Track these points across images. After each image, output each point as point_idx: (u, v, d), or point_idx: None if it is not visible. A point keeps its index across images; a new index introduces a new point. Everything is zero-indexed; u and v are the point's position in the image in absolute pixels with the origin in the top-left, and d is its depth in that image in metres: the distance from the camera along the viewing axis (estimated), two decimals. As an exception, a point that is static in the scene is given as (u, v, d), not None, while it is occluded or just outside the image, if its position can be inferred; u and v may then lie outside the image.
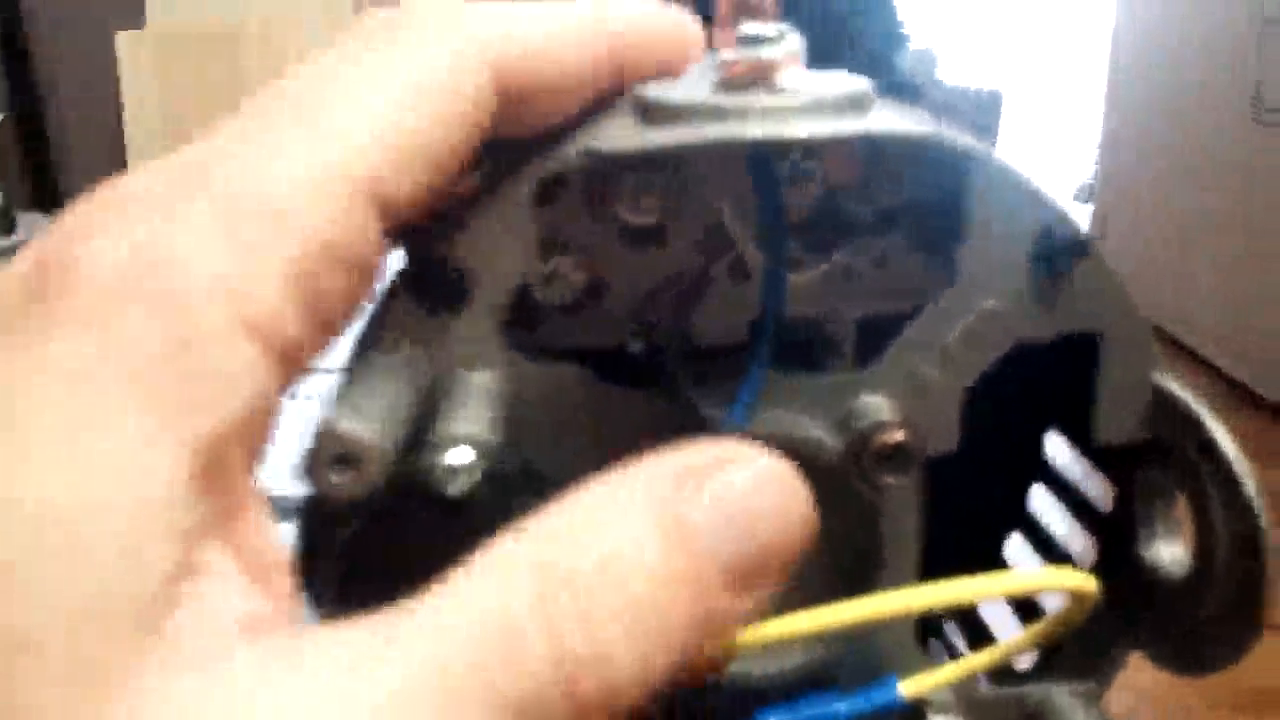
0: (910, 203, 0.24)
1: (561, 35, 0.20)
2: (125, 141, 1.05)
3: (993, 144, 0.98)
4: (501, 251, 0.21)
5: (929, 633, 0.31)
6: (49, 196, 1.13)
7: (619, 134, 0.20)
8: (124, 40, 1.03)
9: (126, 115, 1.05)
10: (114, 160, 1.06)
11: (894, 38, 0.40)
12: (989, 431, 0.28)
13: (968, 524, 0.30)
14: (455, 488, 0.19)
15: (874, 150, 0.23)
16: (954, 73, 0.95)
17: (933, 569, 0.27)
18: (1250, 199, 0.59)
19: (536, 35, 0.19)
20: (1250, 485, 0.22)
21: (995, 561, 0.30)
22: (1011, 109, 1.06)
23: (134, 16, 1.07)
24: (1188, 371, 0.65)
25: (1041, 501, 0.30)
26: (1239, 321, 0.60)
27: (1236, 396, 0.61)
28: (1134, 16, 0.76)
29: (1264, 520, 0.21)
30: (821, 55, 0.42)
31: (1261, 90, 0.58)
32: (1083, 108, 0.96)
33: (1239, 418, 0.58)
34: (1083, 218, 0.86)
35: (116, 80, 1.06)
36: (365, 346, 0.21)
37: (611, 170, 0.23)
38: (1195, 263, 0.65)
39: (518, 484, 0.22)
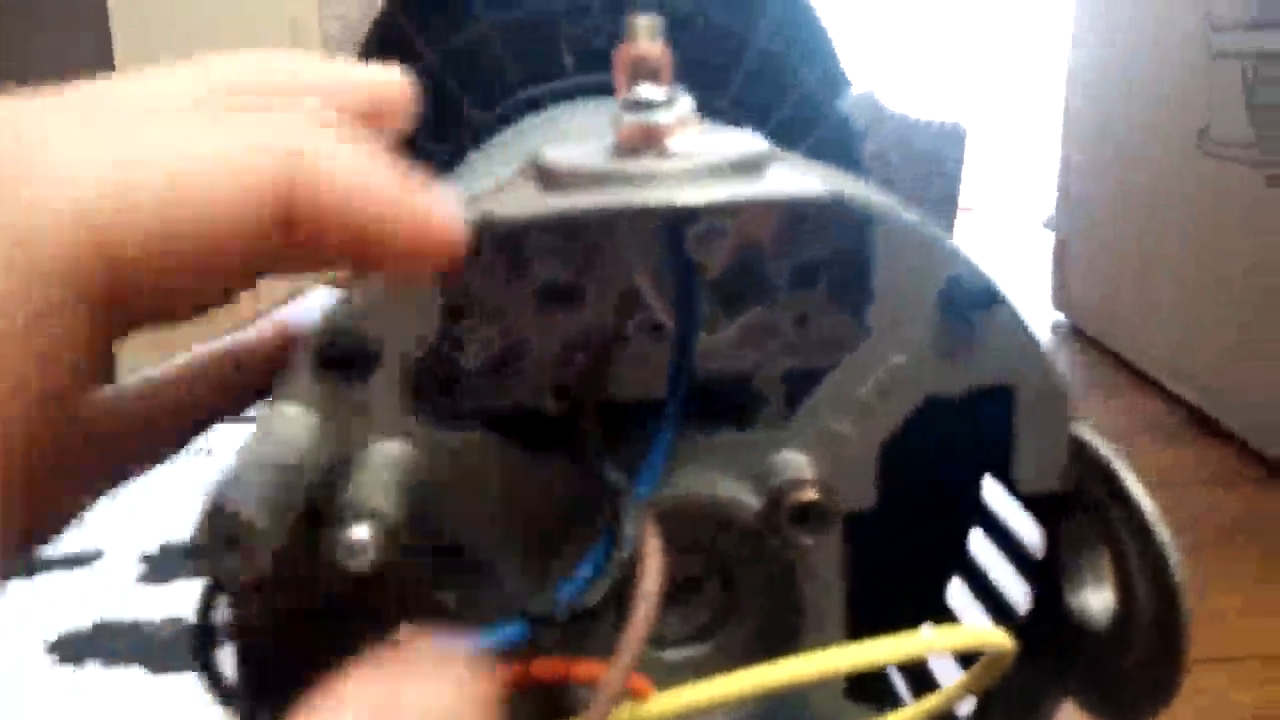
0: (827, 259, 0.24)
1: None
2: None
3: (958, 176, 0.98)
4: (405, 320, 0.21)
5: (868, 679, 0.30)
6: None
7: (517, 199, 0.20)
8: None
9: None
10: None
11: (833, 81, 0.40)
12: (929, 473, 0.28)
13: (910, 566, 0.30)
14: (357, 564, 0.19)
15: (786, 208, 0.23)
16: (916, 106, 0.95)
17: (873, 612, 0.27)
18: (1200, 231, 0.59)
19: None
20: (1164, 537, 0.21)
21: (937, 604, 0.30)
22: (976, 141, 1.06)
23: (103, 62, 1.07)
24: (1146, 398, 0.65)
25: (981, 544, 0.30)
26: (1195, 348, 0.61)
27: (1192, 422, 0.61)
28: (1087, 51, 0.77)
29: (1179, 572, 0.21)
30: (757, 100, 0.42)
31: (1209, 124, 0.59)
32: (1047, 138, 0.97)
33: (1195, 443, 0.58)
34: (1047, 243, 0.86)
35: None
36: (267, 415, 0.21)
37: (520, 233, 0.23)
38: (1151, 290, 0.66)
39: (433, 555, 0.21)
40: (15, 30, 1.07)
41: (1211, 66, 0.58)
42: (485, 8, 0.41)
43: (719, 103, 0.42)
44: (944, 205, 0.96)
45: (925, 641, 0.19)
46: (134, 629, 0.43)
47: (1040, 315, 0.85)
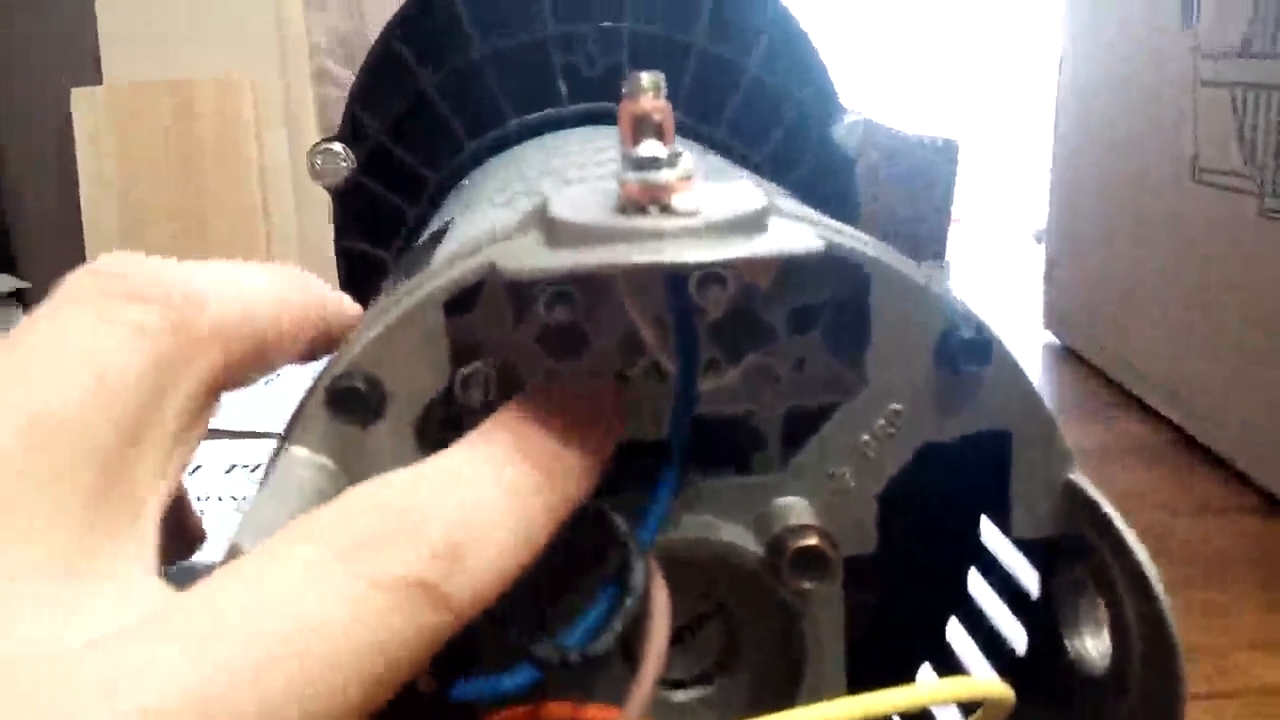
0: (825, 303, 0.25)
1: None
2: (80, 197, 1.05)
3: (950, 191, 0.99)
4: (412, 367, 0.21)
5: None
6: (1, 253, 1.12)
7: (523, 252, 0.20)
8: (79, 96, 1.03)
9: (81, 171, 1.05)
10: (68, 217, 1.06)
11: (827, 107, 0.41)
12: (928, 516, 0.28)
13: (909, 607, 0.30)
14: None
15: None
16: (911, 123, 0.96)
17: (873, 652, 0.27)
18: (1193, 258, 0.60)
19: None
20: (1160, 591, 0.22)
21: (937, 643, 0.30)
22: (968, 154, 1.07)
23: (90, 73, 1.07)
24: (1133, 421, 0.65)
25: (980, 585, 0.30)
26: (1185, 372, 0.61)
27: (1188, 451, 0.61)
28: (1073, 76, 0.78)
29: (1173, 628, 0.22)
30: (753, 126, 0.43)
31: (1198, 151, 0.59)
32: (1038, 153, 0.98)
33: (1185, 467, 0.59)
34: (1038, 257, 0.87)
35: (70, 136, 1.06)
36: (279, 459, 0.21)
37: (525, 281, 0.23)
38: (1142, 313, 0.66)
39: None
40: None
41: (1200, 94, 0.59)
42: (481, 35, 0.41)
43: (715, 130, 0.42)
44: (937, 220, 0.96)
45: (926, 693, 0.20)
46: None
47: (1031, 331, 0.85)
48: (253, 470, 0.63)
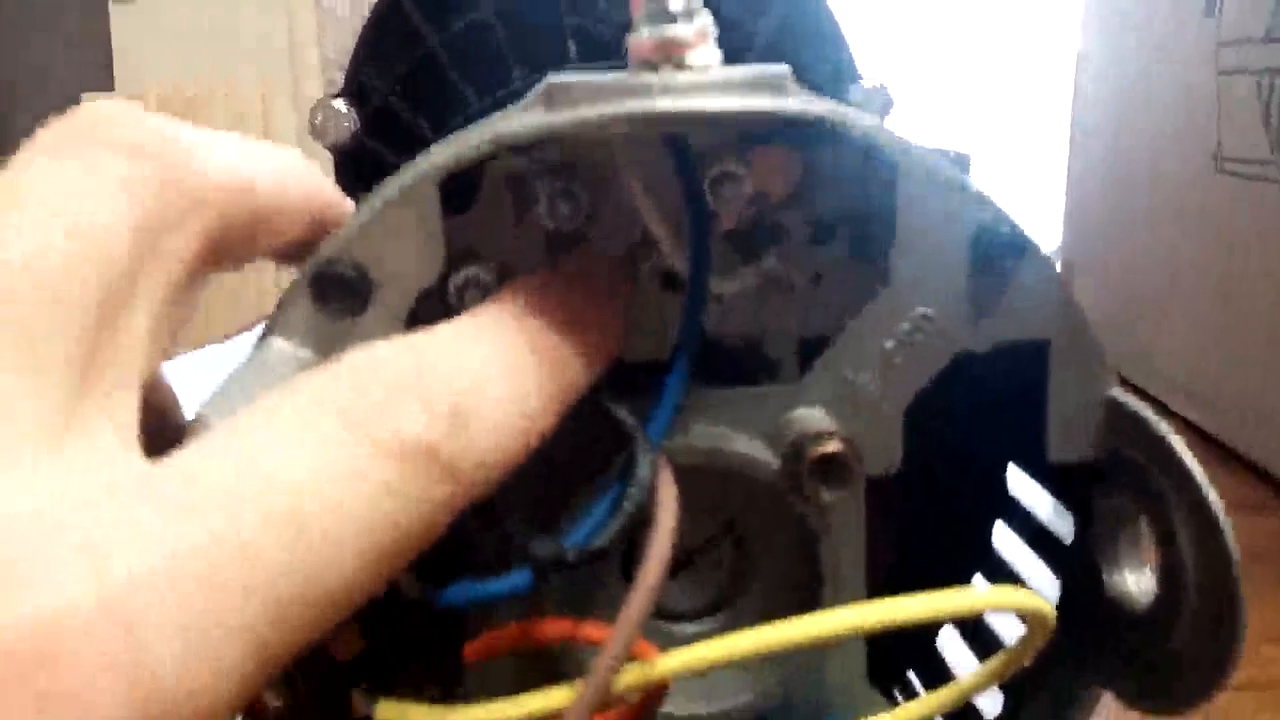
0: (847, 214, 0.23)
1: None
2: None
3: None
4: (404, 254, 0.20)
5: (888, 678, 0.29)
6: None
7: (523, 120, 0.19)
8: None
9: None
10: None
11: (843, 74, 0.40)
12: (949, 467, 0.26)
13: (931, 566, 0.28)
14: None
15: (807, 154, 0.22)
16: (921, 135, 0.95)
17: (912, 572, 0.25)
18: (1216, 250, 0.58)
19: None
20: (1217, 505, 0.20)
21: (984, 555, 0.28)
22: (981, 171, 1.06)
23: (103, 81, 1.07)
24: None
25: (1006, 539, 0.28)
26: (1211, 372, 0.59)
27: (1208, 450, 0.60)
28: (1093, 72, 0.77)
29: (1232, 543, 0.20)
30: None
31: (1221, 141, 0.58)
32: (1052, 173, 0.97)
33: (1214, 468, 0.57)
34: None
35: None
36: (258, 346, 0.20)
37: (526, 173, 0.22)
38: (1165, 313, 0.65)
39: None
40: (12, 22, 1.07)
41: (1220, 83, 0.58)
42: (489, -8, 0.40)
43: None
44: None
45: (956, 599, 0.18)
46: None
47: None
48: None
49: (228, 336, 0.81)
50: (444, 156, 0.19)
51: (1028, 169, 1.26)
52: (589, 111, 0.17)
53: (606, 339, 0.19)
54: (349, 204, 0.23)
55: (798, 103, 0.18)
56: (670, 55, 0.18)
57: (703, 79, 0.17)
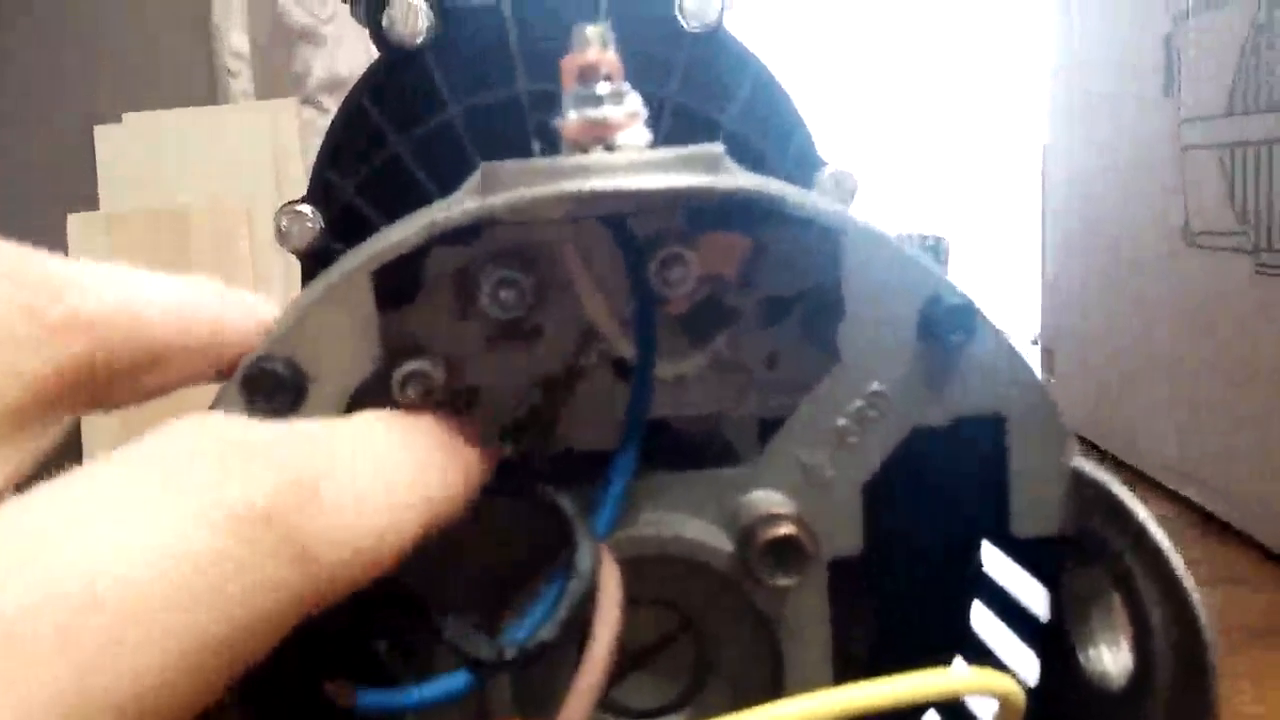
0: (798, 293, 0.23)
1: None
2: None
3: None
4: (338, 350, 0.19)
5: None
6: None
7: (456, 207, 0.18)
8: (76, 222, 1.04)
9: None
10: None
11: (807, 162, 0.40)
12: (919, 546, 0.26)
13: (909, 648, 0.27)
14: None
15: (754, 235, 0.22)
16: (897, 221, 0.96)
17: (890, 656, 0.24)
18: (1194, 324, 0.58)
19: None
20: (1187, 579, 0.19)
21: (961, 636, 0.27)
22: (959, 259, 1.07)
23: (88, 199, 1.08)
24: (1150, 501, 0.63)
25: (984, 618, 0.28)
26: (1194, 445, 0.59)
27: (1198, 522, 0.59)
28: (1062, 157, 0.78)
29: (1205, 618, 0.19)
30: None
31: (1189, 216, 0.58)
32: (1027, 255, 0.97)
33: (1203, 543, 0.56)
34: (1033, 360, 0.85)
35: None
36: None
37: (469, 263, 0.21)
38: (1146, 389, 0.64)
39: (374, 601, 0.19)
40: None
41: (1185, 159, 0.58)
42: (451, 93, 0.40)
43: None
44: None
45: (926, 684, 0.17)
46: None
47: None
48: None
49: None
50: (376, 249, 0.19)
51: (1007, 259, 1.28)
52: (520, 194, 0.17)
53: (477, 472, 0.19)
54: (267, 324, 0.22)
55: (730, 180, 0.18)
56: (600, 137, 0.18)
57: (635, 159, 0.17)
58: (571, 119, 0.18)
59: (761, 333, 0.23)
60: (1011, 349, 0.21)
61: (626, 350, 0.21)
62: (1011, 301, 1.23)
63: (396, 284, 0.20)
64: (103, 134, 1.09)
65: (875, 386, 0.21)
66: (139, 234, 1.03)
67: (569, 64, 0.19)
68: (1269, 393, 0.51)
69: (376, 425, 0.17)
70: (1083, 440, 0.78)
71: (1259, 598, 0.50)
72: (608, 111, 0.18)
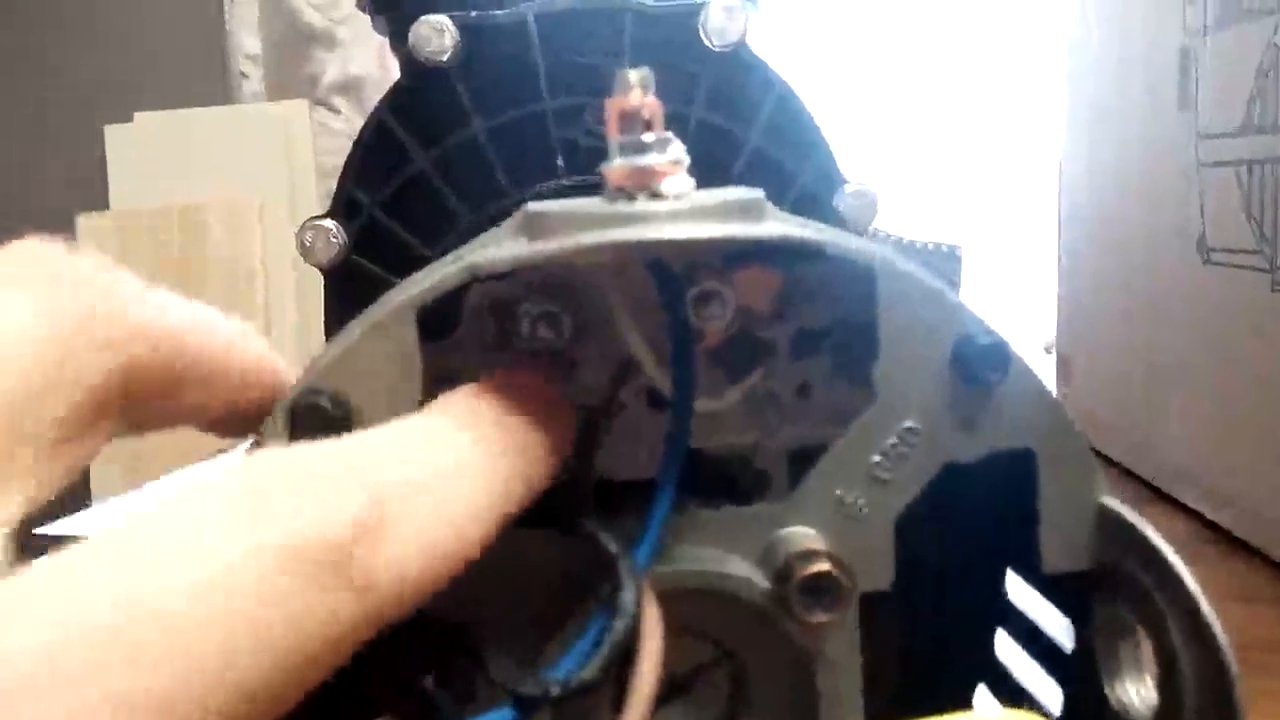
0: (830, 326, 0.23)
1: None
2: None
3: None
4: (381, 385, 0.19)
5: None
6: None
7: (501, 250, 0.19)
8: (85, 222, 1.05)
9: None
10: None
11: (829, 179, 0.40)
12: (945, 578, 0.26)
13: (933, 677, 0.27)
14: None
15: (788, 271, 0.22)
16: (909, 228, 0.96)
17: (917, 685, 0.25)
18: (1208, 339, 0.58)
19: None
20: (1212, 616, 0.20)
21: (987, 665, 0.28)
22: (973, 266, 1.07)
23: (98, 199, 1.08)
24: (1160, 513, 0.63)
25: (1008, 647, 0.28)
26: (1212, 463, 0.59)
27: (1213, 538, 0.59)
28: (1078, 169, 0.78)
29: (1230, 655, 0.19)
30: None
31: (1206, 233, 0.59)
32: (1042, 263, 0.97)
33: (1219, 559, 0.56)
34: (1048, 368, 0.85)
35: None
36: None
37: (509, 297, 0.22)
38: (1161, 403, 0.65)
39: (414, 634, 0.19)
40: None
41: (1202, 174, 0.58)
42: (476, 110, 0.41)
43: (714, 204, 0.42)
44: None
45: (957, 726, 0.17)
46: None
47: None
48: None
49: (220, 451, 0.81)
50: (421, 288, 0.19)
51: (1022, 266, 1.28)
52: (565, 243, 0.17)
53: (557, 443, 0.18)
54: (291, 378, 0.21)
55: (772, 228, 0.18)
56: (645, 184, 0.18)
57: (679, 207, 0.18)
58: (617, 166, 0.18)
59: (793, 365, 0.23)
60: (1041, 386, 0.21)
61: (663, 383, 0.21)
62: (1026, 309, 1.23)
63: (435, 316, 0.21)
64: (113, 133, 1.09)
65: (909, 423, 0.21)
66: (150, 233, 1.03)
67: (612, 108, 0.19)
68: (1283, 410, 0.52)
69: (449, 427, 0.17)
70: (1103, 457, 0.78)
71: (1269, 614, 0.50)
72: (653, 160, 0.18)
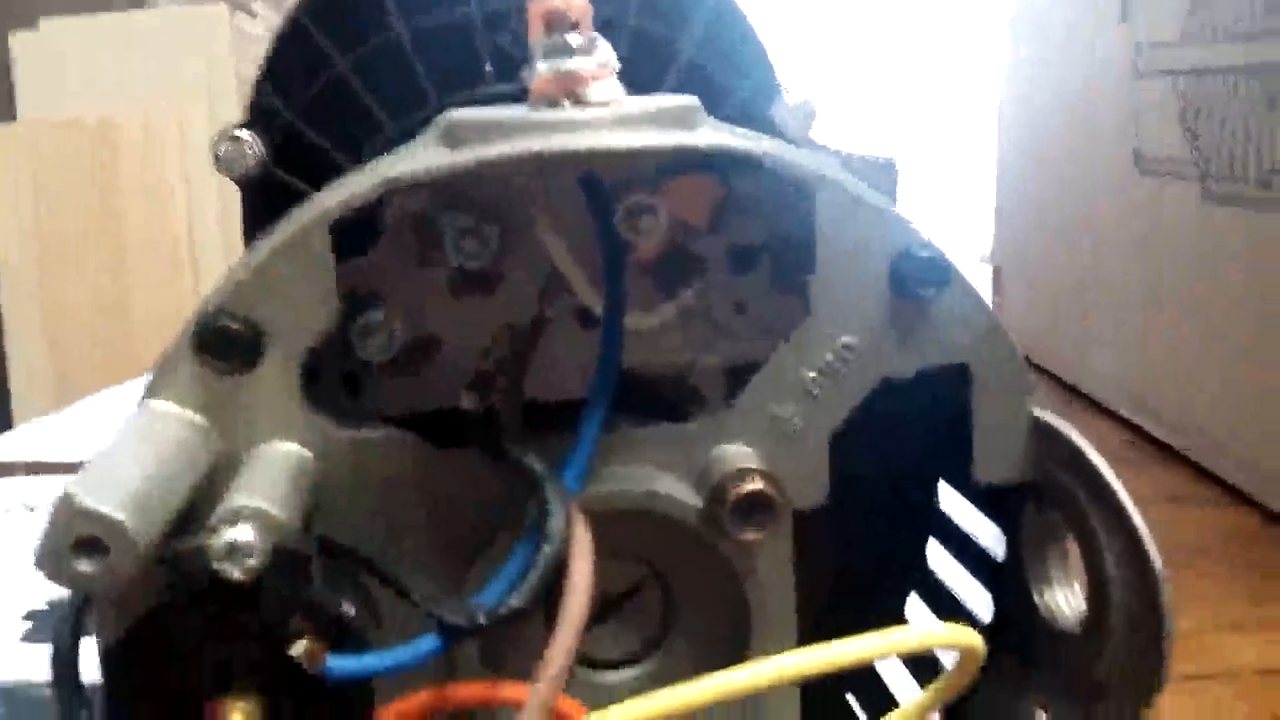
0: (767, 240, 0.23)
1: None
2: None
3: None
4: (297, 304, 0.18)
5: (829, 701, 0.28)
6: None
7: (421, 159, 0.18)
8: (-9, 133, 0.99)
9: (-2, 210, 1.01)
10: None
11: (767, 91, 0.39)
12: (878, 490, 0.26)
13: (865, 586, 0.28)
14: (238, 570, 0.16)
15: (723, 183, 0.22)
16: (846, 140, 0.95)
17: (829, 635, 0.25)
18: (1141, 248, 0.59)
19: None
20: (1143, 528, 0.20)
21: (897, 623, 0.28)
22: (910, 178, 1.06)
23: (5, 111, 1.03)
24: (1089, 421, 0.64)
25: (939, 556, 0.28)
26: (1139, 370, 0.60)
27: (1139, 443, 0.60)
28: (1016, 77, 0.78)
29: (1159, 565, 0.20)
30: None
31: (1140, 143, 0.59)
32: (979, 174, 0.98)
33: (1145, 464, 0.58)
34: (985, 278, 0.86)
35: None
36: (139, 411, 0.18)
37: (430, 211, 0.21)
38: (1093, 312, 0.66)
39: (326, 564, 0.19)
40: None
41: (1138, 85, 0.58)
42: (398, 14, 0.39)
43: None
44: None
45: (890, 642, 0.17)
46: (16, 692, 0.40)
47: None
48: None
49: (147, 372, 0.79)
50: (334, 200, 0.18)
51: (959, 177, 1.28)
52: (487, 151, 0.16)
53: None
54: None
55: (708, 137, 0.17)
56: (571, 90, 0.17)
57: (605, 114, 0.17)
58: (541, 71, 0.17)
59: (729, 281, 0.22)
60: (979, 299, 0.21)
61: (593, 300, 0.21)
62: (963, 221, 1.24)
63: (354, 232, 0.20)
64: (19, 42, 1.03)
65: (845, 339, 0.20)
66: (63, 146, 0.99)
67: (535, 8, 0.18)
68: (1212, 318, 0.52)
69: None
70: (1033, 365, 0.79)
71: (1195, 515, 0.52)
72: (579, 64, 0.17)
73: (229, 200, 1.04)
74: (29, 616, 0.44)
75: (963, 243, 1.25)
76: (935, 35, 1.40)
